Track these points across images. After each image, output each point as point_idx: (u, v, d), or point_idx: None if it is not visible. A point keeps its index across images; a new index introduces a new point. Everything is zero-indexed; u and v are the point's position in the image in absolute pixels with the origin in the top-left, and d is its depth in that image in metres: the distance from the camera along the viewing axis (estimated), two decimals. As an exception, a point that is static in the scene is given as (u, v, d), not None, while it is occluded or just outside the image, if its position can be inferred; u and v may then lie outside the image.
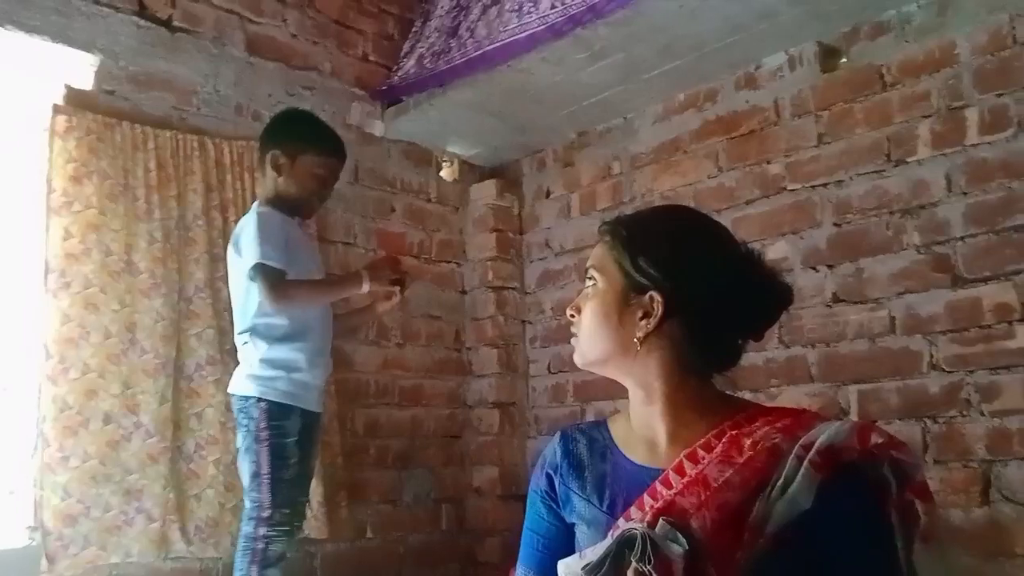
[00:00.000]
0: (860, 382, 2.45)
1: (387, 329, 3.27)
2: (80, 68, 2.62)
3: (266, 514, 2.10)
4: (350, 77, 3.29)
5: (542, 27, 2.67)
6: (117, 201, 2.54)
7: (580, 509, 1.09)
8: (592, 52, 2.69)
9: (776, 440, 0.95)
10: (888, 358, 2.40)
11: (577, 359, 1.13)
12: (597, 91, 2.97)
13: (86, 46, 2.61)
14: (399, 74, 3.31)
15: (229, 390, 2.25)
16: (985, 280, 2.24)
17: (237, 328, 2.27)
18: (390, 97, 3.30)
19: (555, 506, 1.14)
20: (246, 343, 2.22)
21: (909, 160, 2.41)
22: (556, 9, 2.64)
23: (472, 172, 3.68)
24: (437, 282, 3.48)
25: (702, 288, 1.03)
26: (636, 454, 1.08)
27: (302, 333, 2.22)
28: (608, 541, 0.96)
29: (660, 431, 1.06)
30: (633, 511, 0.98)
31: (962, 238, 2.29)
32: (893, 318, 2.40)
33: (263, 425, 2.13)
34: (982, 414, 2.22)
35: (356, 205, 3.25)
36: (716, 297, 1.03)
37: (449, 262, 3.56)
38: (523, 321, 3.54)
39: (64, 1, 2.57)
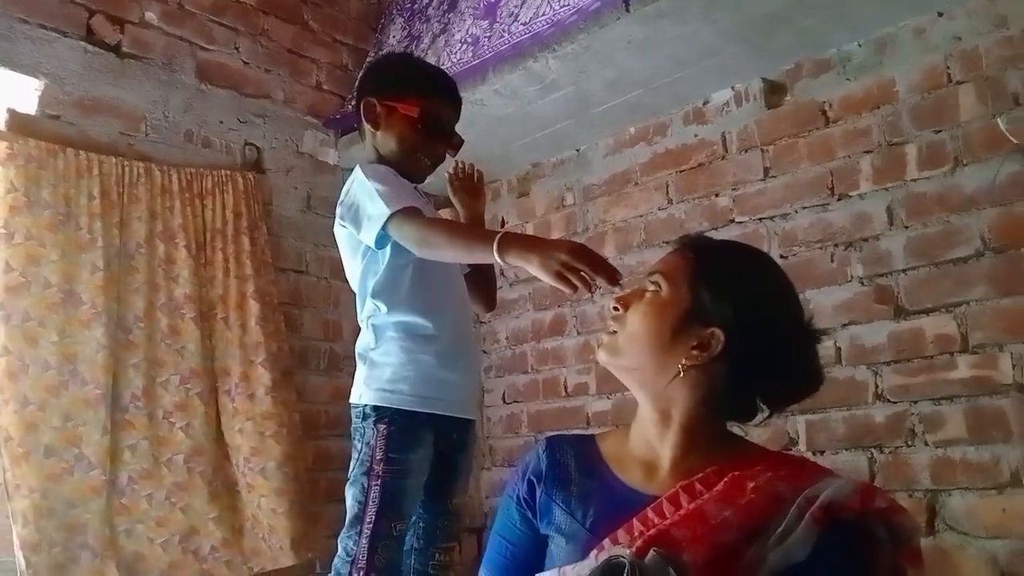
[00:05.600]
0: (808, 412, 2.48)
1: (339, 359, 3.24)
2: (24, 93, 2.57)
3: None
4: (303, 106, 3.28)
5: (490, 55, 2.70)
6: (58, 231, 2.49)
7: (560, 522, 1.06)
8: (543, 85, 2.71)
9: (780, 488, 0.95)
10: (834, 388, 2.42)
11: (603, 355, 1.09)
12: (550, 123, 3.00)
13: (31, 70, 2.57)
14: (352, 103, 3.31)
15: (351, 400, 1.87)
16: (927, 311, 2.29)
17: (358, 317, 1.92)
18: (344, 125, 3.30)
19: (530, 515, 1.11)
20: (370, 346, 1.85)
21: (852, 194, 2.46)
22: (503, 39, 2.67)
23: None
24: (390, 312, 3.46)
25: (764, 347, 1.03)
26: (628, 475, 1.07)
27: (438, 312, 1.83)
28: (591, 562, 0.95)
29: (664, 457, 1.05)
30: (620, 534, 0.97)
31: (904, 270, 2.34)
32: (839, 348, 2.43)
33: (379, 455, 1.74)
34: (926, 444, 2.25)
35: (308, 233, 3.22)
36: (772, 361, 1.03)
37: (403, 292, 3.54)
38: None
39: (8, 25, 2.53)
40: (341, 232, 1.91)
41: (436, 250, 1.67)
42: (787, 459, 1.05)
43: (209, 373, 2.73)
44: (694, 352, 1.02)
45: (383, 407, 1.79)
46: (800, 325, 1.06)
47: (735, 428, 1.12)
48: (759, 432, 2.53)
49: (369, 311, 1.87)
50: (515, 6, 2.76)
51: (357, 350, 1.91)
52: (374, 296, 1.84)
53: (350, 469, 1.81)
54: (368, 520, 1.71)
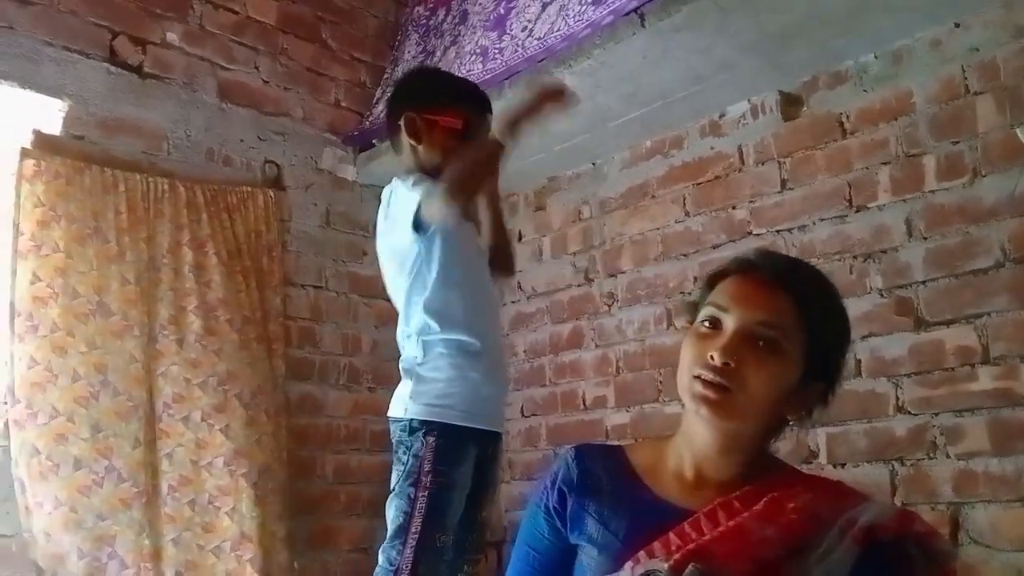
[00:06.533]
0: (828, 425, 2.46)
1: (359, 373, 3.26)
2: (49, 113, 2.62)
3: None
4: (322, 123, 3.32)
5: (502, 70, 2.72)
6: (85, 244, 2.54)
7: (592, 532, 1.06)
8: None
9: (820, 510, 0.96)
10: (855, 400, 2.41)
11: (716, 414, 1.00)
12: (566, 137, 3.01)
13: (55, 92, 2.63)
14: (370, 119, 3.35)
15: (388, 413, 1.90)
16: (947, 323, 2.27)
17: (400, 332, 1.94)
18: (362, 142, 3.34)
19: (559, 524, 1.09)
20: (417, 360, 1.86)
21: (870, 205, 2.45)
22: (517, 53, 2.69)
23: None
24: (409, 326, 3.48)
25: (838, 381, 1.08)
26: (662, 487, 1.06)
27: (484, 329, 1.87)
28: (626, 574, 0.96)
29: (708, 476, 1.05)
30: (656, 547, 0.97)
31: (923, 282, 2.32)
32: (859, 361, 2.42)
33: (427, 467, 1.75)
34: (948, 456, 2.23)
35: (327, 249, 3.26)
36: (832, 391, 1.08)
37: (421, 306, 3.56)
38: (495, 364, 3.54)
39: (33, 47, 2.58)
40: (384, 247, 1.94)
41: (464, 188, 1.73)
42: (825, 482, 1.06)
43: (245, 377, 2.75)
44: (801, 408, 1.05)
45: (431, 421, 1.80)
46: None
47: None
48: (780, 445, 2.51)
49: (419, 326, 1.87)
50: (528, 20, 2.78)
51: (403, 365, 1.92)
52: (427, 312, 1.85)
53: (393, 482, 1.81)
54: (413, 531, 1.73)
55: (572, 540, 1.08)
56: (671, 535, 0.98)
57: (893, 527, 0.94)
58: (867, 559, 0.92)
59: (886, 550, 0.93)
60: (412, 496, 1.74)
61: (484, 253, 2.05)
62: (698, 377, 1.01)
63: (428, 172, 1.89)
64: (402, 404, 1.85)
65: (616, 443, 1.20)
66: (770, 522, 0.95)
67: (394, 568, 1.72)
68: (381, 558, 1.78)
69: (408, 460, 1.77)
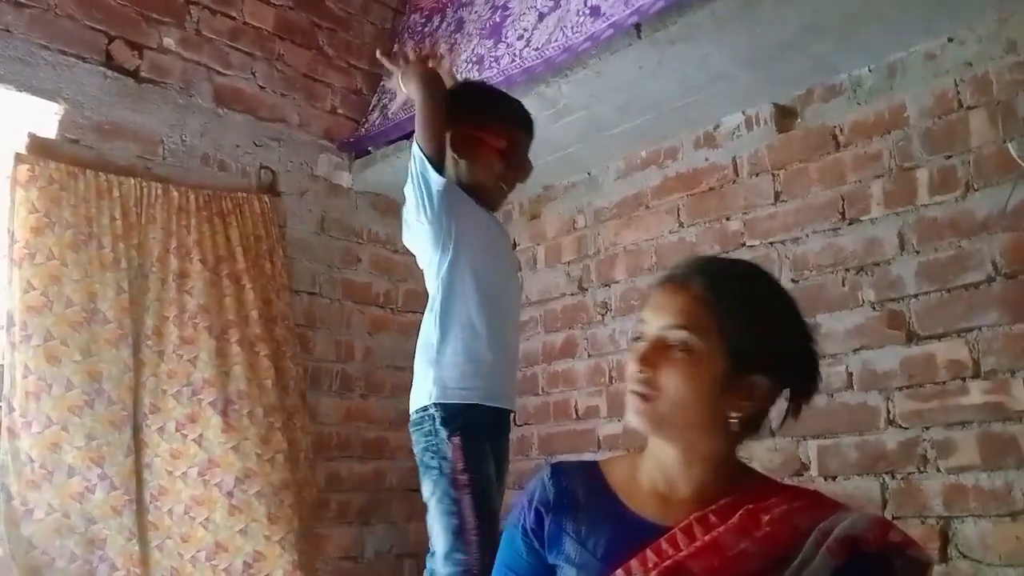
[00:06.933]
0: (820, 437, 2.46)
1: (351, 380, 3.25)
2: (44, 117, 2.62)
3: None
4: (318, 129, 3.32)
5: (501, 79, 2.72)
6: (80, 251, 2.53)
7: (570, 552, 1.05)
8: (556, 109, 2.74)
9: (796, 521, 0.96)
10: (846, 413, 2.41)
11: (643, 423, 1.03)
12: (561, 147, 3.02)
13: (51, 95, 2.62)
14: (366, 126, 3.35)
15: (411, 409, 1.88)
16: (939, 337, 2.27)
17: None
18: (358, 149, 3.34)
19: (538, 545, 1.09)
20: (435, 348, 1.86)
21: (863, 218, 2.46)
22: (514, 63, 2.70)
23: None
24: (402, 332, 3.47)
25: (796, 370, 1.04)
26: (639, 504, 1.06)
27: (498, 313, 1.89)
28: None
29: (679, 488, 1.04)
30: (634, 565, 0.97)
31: (915, 295, 2.33)
32: (850, 373, 2.42)
33: (460, 465, 1.75)
34: (939, 470, 2.23)
35: (322, 255, 3.25)
36: (802, 378, 1.05)
37: (416, 312, 3.54)
38: (488, 373, 3.53)
39: (29, 51, 2.58)
40: (409, 237, 1.96)
41: (426, 129, 1.82)
42: (801, 492, 1.04)
43: (221, 385, 2.72)
44: (743, 404, 1.02)
45: (451, 404, 1.80)
46: (808, 330, 1.07)
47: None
48: (771, 458, 2.53)
49: (436, 310, 1.88)
50: (524, 29, 2.79)
51: (420, 352, 1.91)
52: (442, 298, 1.87)
53: (427, 493, 1.80)
54: (471, 529, 1.73)
55: (550, 560, 1.08)
56: (648, 552, 0.98)
57: (871, 538, 0.94)
58: (847, 572, 0.92)
59: (866, 563, 0.93)
60: (456, 498, 1.74)
61: (504, 237, 2.07)
62: (631, 391, 1.03)
63: (466, 188, 1.90)
64: (424, 390, 1.85)
65: (593, 459, 1.19)
66: (746, 535, 0.95)
67: (464, 569, 1.71)
68: (442, 567, 1.74)
69: (438, 464, 1.76)
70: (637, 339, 1.05)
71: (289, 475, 2.76)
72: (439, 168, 1.81)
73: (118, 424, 2.50)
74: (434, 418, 1.80)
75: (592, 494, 1.09)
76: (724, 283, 1.05)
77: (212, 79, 3.03)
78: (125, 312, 2.56)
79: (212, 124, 3.00)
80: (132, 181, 2.70)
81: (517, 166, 1.96)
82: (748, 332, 1.01)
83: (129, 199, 2.67)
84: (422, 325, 1.94)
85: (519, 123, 1.96)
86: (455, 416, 1.79)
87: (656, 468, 1.07)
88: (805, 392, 1.06)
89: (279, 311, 2.93)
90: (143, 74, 2.86)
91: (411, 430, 1.87)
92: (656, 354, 1.02)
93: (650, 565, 0.96)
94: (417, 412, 1.86)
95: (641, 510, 1.05)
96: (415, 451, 1.85)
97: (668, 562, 0.95)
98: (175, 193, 2.78)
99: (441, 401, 1.80)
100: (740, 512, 0.98)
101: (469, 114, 1.93)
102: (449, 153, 1.91)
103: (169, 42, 2.93)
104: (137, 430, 2.57)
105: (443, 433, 1.77)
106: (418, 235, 1.91)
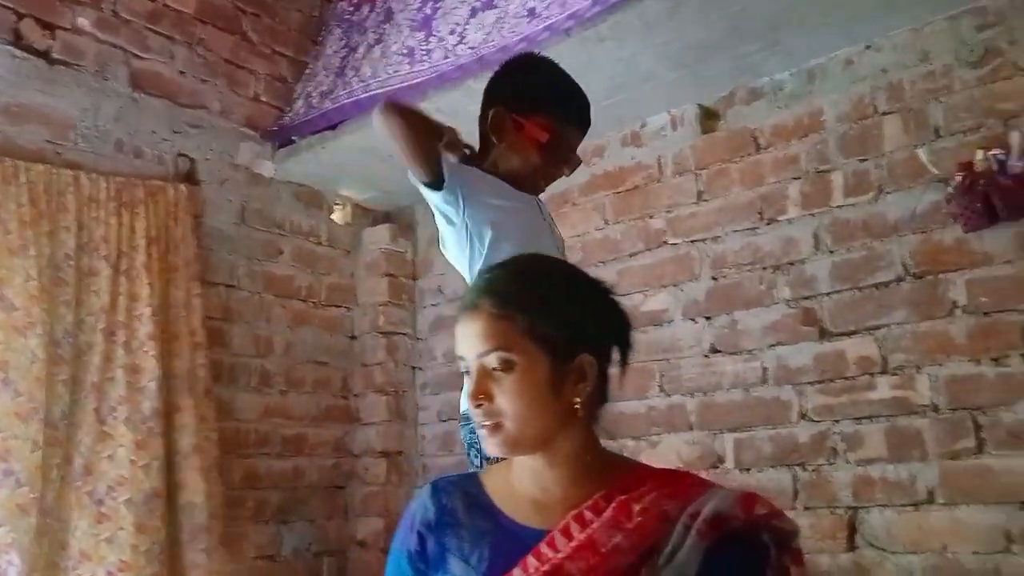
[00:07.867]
0: (735, 430, 2.52)
1: (270, 375, 3.18)
2: (-54, 96, 2.49)
3: None
4: (240, 117, 3.24)
5: (433, 75, 2.70)
6: (-15, 236, 2.40)
7: (455, 570, 1.04)
8: (484, 103, 2.72)
9: (665, 508, 0.96)
10: (761, 407, 2.48)
11: (506, 450, 1.03)
12: (489, 141, 3.01)
13: (-47, 74, 2.49)
14: (290, 115, 3.28)
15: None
16: (849, 334, 2.36)
17: None
18: (281, 138, 3.26)
19: (424, 567, 1.07)
20: None
21: (780, 219, 2.53)
22: (448, 60, 2.68)
23: (365, 216, 3.65)
24: (325, 327, 3.42)
25: (603, 331, 1.06)
26: (518, 513, 1.05)
27: None
28: None
29: (553, 492, 1.04)
30: (516, 573, 0.97)
31: (828, 294, 2.41)
32: (765, 369, 2.49)
33: None
34: (847, 462, 2.31)
35: (242, 247, 3.17)
36: (611, 338, 1.06)
37: (339, 306, 3.50)
38: (413, 367, 3.51)
39: (-70, 27, 2.45)
40: (450, 258, 1.79)
41: (414, 152, 1.63)
42: (671, 475, 1.05)
43: (103, 391, 2.61)
44: (580, 386, 1.02)
45: None
46: (601, 289, 1.08)
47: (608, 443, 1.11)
48: (690, 451, 2.58)
49: None
50: (456, 24, 2.77)
51: None
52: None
53: None
54: None
55: None
56: (529, 558, 0.97)
57: (740, 515, 0.95)
58: (717, 553, 0.93)
59: (736, 540, 0.94)
60: None
61: (537, 216, 1.81)
62: (479, 425, 1.04)
63: (501, 174, 1.72)
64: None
65: (474, 471, 1.19)
66: (618, 529, 0.95)
67: None
68: None
69: (480, 463, 1.63)
70: (466, 373, 1.05)
71: (161, 484, 2.63)
72: (439, 182, 1.64)
73: (24, 417, 2.38)
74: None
75: (472, 508, 1.08)
76: (509, 290, 1.05)
77: (129, 62, 2.92)
78: (34, 300, 2.44)
79: (128, 109, 2.89)
80: (41, 167, 2.58)
81: (559, 162, 1.76)
82: (549, 320, 1.02)
83: (38, 186, 2.55)
84: None
85: (570, 118, 1.75)
86: None
87: (527, 475, 1.07)
88: (627, 342, 1.08)
89: (185, 304, 2.82)
90: (55, 55, 2.73)
91: (461, 424, 1.75)
92: (484, 383, 1.02)
93: (531, 571, 0.96)
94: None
95: (522, 518, 1.04)
96: (464, 443, 1.72)
97: (546, 566, 0.95)
98: (86, 181, 2.66)
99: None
100: (612, 504, 0.98)
101: (519, 94, 1.73)
102: (488, 132, 1.74)
103: (84, 22, 2.81)
104: (51, 426, 2.45)
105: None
106: (451, 248, 1.75)
